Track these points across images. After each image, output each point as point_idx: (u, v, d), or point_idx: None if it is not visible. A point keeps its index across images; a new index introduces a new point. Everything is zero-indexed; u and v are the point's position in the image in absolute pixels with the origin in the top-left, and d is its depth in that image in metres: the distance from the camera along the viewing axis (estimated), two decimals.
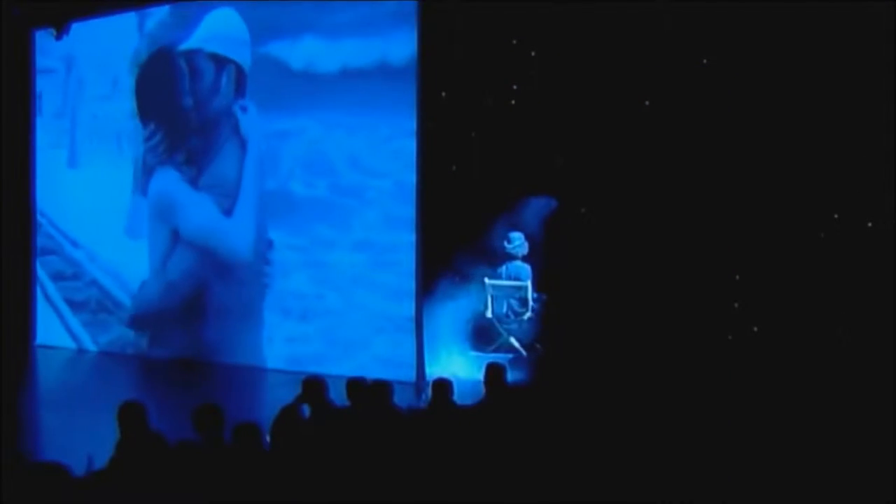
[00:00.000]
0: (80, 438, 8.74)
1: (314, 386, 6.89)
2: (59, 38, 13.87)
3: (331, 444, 5.88)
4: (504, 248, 11.68)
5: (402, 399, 7.09)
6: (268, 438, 5.75)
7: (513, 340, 11.55)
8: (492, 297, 11.65)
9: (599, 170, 10.94)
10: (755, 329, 10.36)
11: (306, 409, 6.75)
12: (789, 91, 9.86)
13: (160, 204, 13.63)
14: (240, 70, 12.78)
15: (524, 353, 11.43)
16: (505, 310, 11.75)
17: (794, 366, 9.46)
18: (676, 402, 7.52)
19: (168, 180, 13.55)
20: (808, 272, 9.90)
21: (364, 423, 6.43)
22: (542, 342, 11.43)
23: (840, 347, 9.54)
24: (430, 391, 6.95)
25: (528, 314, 11.57)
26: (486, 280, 11.60)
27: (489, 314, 11.64)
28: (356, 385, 6.85)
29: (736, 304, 10.48)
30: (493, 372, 7.34)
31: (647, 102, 10.86)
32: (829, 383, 8.86)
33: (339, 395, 6.95)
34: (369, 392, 6.79)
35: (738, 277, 10.48)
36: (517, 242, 11.65)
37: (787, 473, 5.51)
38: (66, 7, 13.49)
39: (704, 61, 10.45)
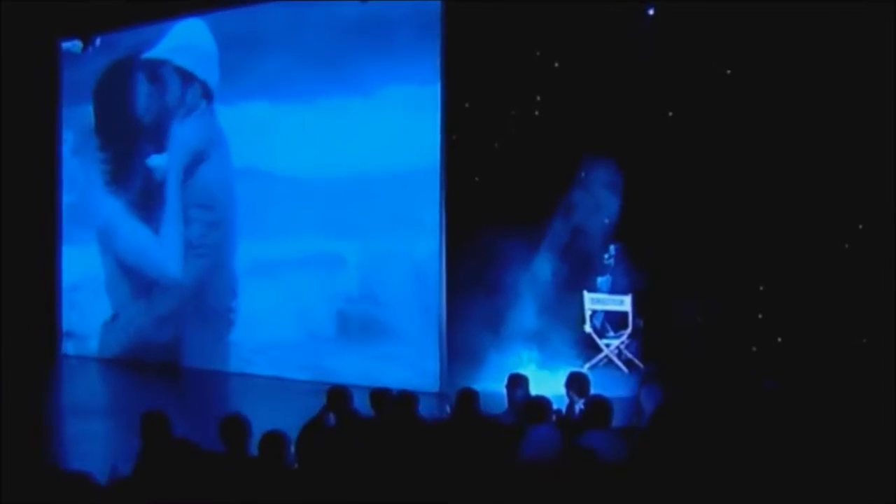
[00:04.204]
0: (104, 447, 8.86)
1: (339, 395, 6.90)
2: (84, 50, 13.95)
3: (356, 455, 5.88)
4: (604, 260, 11.44)
5: (427, 409, 7.08)
6: (293, 449, 5.76)
7: (612, 356, 11.24)
8: (590, 310, 11.34)
9: (622, 180, 10.95)
10: (779, 339, 10.33)
11: (332, 419, 6.77)
12: (815, 103, 9.83)
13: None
14: (206, 87, 13.00)
15: (625, 369, 11.13)
16: (602, 323, 11.46)
17: (817, 375, 9.43)
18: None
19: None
20: (833, 282, 9.86)
21: (389, 433, 6.44)
22: (644, 358, 11.18)
23: (864, 356, 9.51)
24: (453, 401, 6.94)
25: (629, 329, 11.22)
26: (585, 293, 11.30)
27: (587, 328, 11.34)
28: (380, 396, 6.86)
29: (760, 315, 10.46)
30: (514, 383, 7.33)
31: (670, 113, 10.87)
32: (853, 392, 8.81)
33: (363, 405, 6.96)
34: (394, 403, 6.79)
35: (762, 288, 10.47)
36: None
37: (805, 481, 5.50)
38: (93, 19, 13.56)
39: (728, 72, 10.44)
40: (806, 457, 5.83)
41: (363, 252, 11.60)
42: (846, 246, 9.97)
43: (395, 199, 11.26)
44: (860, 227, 9.94)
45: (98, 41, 13.87)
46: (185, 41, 13.29)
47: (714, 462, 5.38)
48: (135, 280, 13.87)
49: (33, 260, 14.45)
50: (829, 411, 8.07)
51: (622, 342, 11.24)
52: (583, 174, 11.08)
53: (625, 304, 11.15)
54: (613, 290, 11.35)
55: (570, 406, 7.15)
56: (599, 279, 11.50)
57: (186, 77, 13.25)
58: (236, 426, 5.80)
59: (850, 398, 8.61)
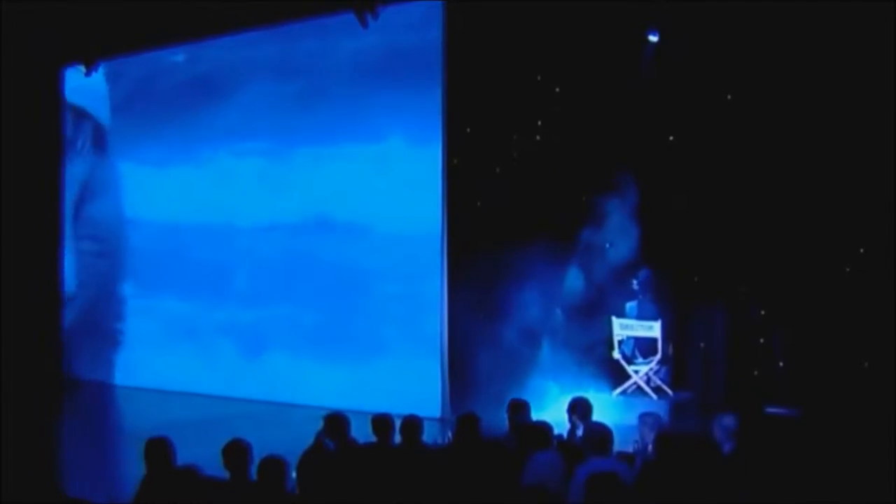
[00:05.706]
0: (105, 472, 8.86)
1: (336, 422, 6.88)
2: (88, 74, 14.01)
3: (357, 481, 5.89)
4: (632, 285, 11.23)
5: (428, 435, 7.07)
6: (294, 475, 5.76)
7: (641, 383, 11.02)
8: (619, 336, 11.13)
9: (623, 205, 10.97)
10: (780, 364, 10.33)
11: (331, 444, 6.75)
12: (814, 127, 9.84)
13: None
14: (97, 125, 13.60)
15: (654, 396, 10.92)
16: (632, 350, 11.26)
17: (821, 401, 9.43)
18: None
19: None
20: (835, 305, 9.86)
21: (391, 458, 6.43)
22: (672, 385, 11.03)
23: (866, 380, 9.51)
24: (454, 427, 6.92)
25: (658, 356, 11.00)
26: (614, 319, 11.11)
27: (615, 354, 11.14)
28: (383, 421, 6.84)
29: (762, 340, 10.46)
30: (515, 409, 7.32)
31: (671, 137, 10.89)
32: (856, 415, 8.82)
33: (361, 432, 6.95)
34: (399, 428, 6.78)
35: (763, 312, 10.47)
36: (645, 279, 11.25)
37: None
38: (96, 44, 13.61)
39: (728, 97, 10.47)
40: (813, 481, 5.85)
41: (366, 271, 11.71)
42: (847, 269, 9.96)
43: (395, 223, 11.36)
44: (861, 250, 9.94)
45: (101, 67, 13.97)
46: (79, 80, 13.86)
47: (712, 487, 5.38)
48: None
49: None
50: (833, 435, 8.08)
51: (651, 369, 11.06)
52: (594, 199, 11.06)
53: (654, 329, 10.96)
54: (641, 316, 11.20)
55: (572, 431, 7.13)
56: (628, 305, 11.33)
57: (79, 114, 13.91)
58: (238, 451, 5.80)
59: (852, 421, 8.61)
